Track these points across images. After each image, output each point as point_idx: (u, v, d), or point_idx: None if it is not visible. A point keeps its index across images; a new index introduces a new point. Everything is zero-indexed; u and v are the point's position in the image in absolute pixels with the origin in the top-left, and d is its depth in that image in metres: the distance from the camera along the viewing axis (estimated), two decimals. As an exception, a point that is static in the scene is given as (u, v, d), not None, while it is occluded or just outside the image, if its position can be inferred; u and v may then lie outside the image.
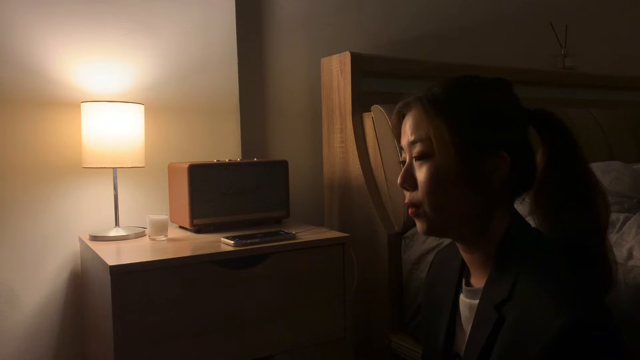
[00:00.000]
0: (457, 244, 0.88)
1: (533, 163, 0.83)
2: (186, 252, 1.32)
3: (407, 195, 0.85)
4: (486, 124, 0.79)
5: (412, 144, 0.83)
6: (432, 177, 0.80)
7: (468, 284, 0.88)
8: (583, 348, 0.67)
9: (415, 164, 0.83)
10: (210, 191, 1.55)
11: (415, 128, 0.82)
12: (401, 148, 0.87)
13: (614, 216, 1.49)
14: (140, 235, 1.55)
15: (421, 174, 0.81)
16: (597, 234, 0.80)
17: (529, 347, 0.69)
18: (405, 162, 0.86)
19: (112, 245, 1.44)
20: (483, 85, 0.83)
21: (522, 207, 0.87)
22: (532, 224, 0.86)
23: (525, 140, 0.83)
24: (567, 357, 0.67)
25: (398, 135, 0.89)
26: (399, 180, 0.85)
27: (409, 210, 0.85)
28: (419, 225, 0.85)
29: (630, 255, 1.27)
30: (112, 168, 1.54)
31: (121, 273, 1.20)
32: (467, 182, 0.79)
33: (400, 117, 0.88)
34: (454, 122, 0.79)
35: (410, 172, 0.84)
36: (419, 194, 0.82)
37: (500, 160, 0.79)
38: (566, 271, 0.75)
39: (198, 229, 1.56)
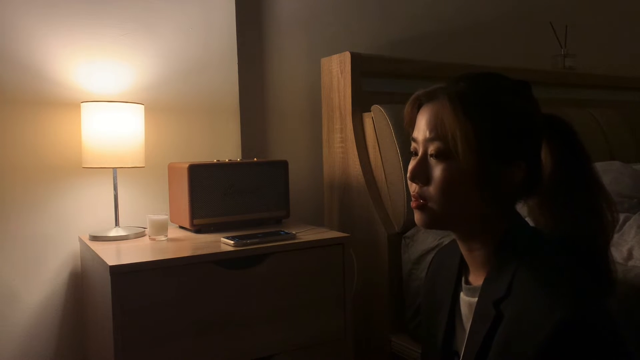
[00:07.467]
0: (458, 242, 0.88)
1: (541, 169, 0.83)
2: (186, 252, 1.32)
3: (415, 188, 0.83)
4: (511, 134, 0.78)
5: (430, 140, 0.80)
6: (450, 179, 0.79)
7: (467, 282, 0.88)
8: (579, 345, 0.67)
9: (431, 160, 0.81)
10: (210, 191, 1.55)
11: (438, 124, 0.79)
12: (413, 138, 0.84)
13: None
14: (140, 235, 1.55)
15: (437, 172, 0.79)
16: (601, 238, 0.81)
17: (526, 343, 0.70)
18: (415, 152, 0.83)
19: (112, 245, 1.44)
20: (510, 90, 0.82)
21: (520, 206, 0.87)
22: (531, 223, 0.86)
23: (540, 149, 0.83)
24: (562, 354, 0.67)
25: (410, 123, 0.86)
26: (409, 175, 0.82)
27: (414, 202, 0.83)
28: (420, 217, 0.83)
29: (630, 255, 1.27)
30: (112, 168, 1.54)
31: (121, 273, 1.20)
32: (481, 187, 0.79)
33: (416, 106, 0.85)
34: (482, 127, 0.77)
35: (422, 167, 0.81)
36: (430, 191, 0.81)
37: (517, 170, 0.79)
38: (564, 269, 0.75)
39: (198, 229, 1.56)
